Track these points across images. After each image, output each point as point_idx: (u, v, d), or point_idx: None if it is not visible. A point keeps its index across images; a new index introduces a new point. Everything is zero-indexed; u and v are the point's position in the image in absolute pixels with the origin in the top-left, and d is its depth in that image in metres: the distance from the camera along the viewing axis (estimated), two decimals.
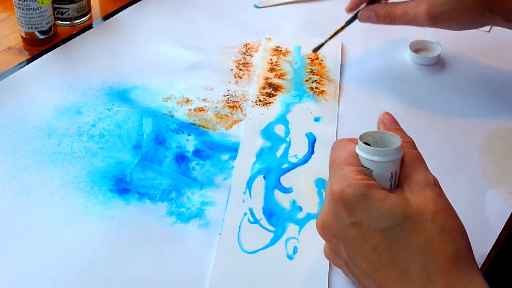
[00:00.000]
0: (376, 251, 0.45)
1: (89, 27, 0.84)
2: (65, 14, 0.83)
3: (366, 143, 0.47)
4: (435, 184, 0.46)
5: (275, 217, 0.58)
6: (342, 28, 0.74)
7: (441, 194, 0.46)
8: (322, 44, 0.75)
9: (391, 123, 0.51)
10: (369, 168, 0.47)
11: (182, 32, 0.83)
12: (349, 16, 0.74)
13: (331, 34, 0.74)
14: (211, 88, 0.74)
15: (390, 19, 0.70)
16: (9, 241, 0.55)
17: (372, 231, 0.45)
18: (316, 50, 0.75)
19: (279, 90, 0.73)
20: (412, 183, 0.46)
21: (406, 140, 0.49)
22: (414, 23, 0.69)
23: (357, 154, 0.47)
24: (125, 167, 0.62)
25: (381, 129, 0.51)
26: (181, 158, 0.64)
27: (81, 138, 0.65)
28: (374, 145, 0.47)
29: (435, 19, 0.67)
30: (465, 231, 0.45)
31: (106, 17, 0.86)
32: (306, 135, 0.67)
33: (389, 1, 0.72)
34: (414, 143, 0.49)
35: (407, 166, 0.47)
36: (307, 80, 0.75)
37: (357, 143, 0.48)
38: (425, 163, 0.48)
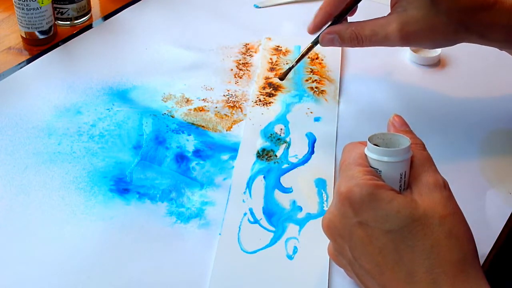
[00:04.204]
0: (381, 252, 0.45)
1: (89, 27, 0.84)
2: (65, 14, 0.83)
3: (375, 145, 0.47)
4: (445, 186, 0.46)
5: (275, 217, 0.58)
6: (309, 49, 0.67)
7: (450, 196, 0.46)
8: (290, 70, 0.68)
9: (401, 125, 0.51)
10: (378, 169, 0.47)
11: (182, 32, 0.83)
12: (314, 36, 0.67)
13: (297, 58, 0.67)
14: (211, 88, 0.74)
15: (357, 41, 0.63)
16: (9, 241, 0.55)
17: (378, 232, 0.45)
18: (283, 77, 0.68)
19: (279, 90, 0.73)
20: (421, 184, 0.46)
21: (416, 141, 0.49)
22: (384, 44, 0.62)
23: (366, 155, 0.47)
24: (125, 167, 0.62)
25: (391, 131, 0.51)
26: (181, 158, 0.64)
27: (81, 138, 0.65)
28: (383, 147, 0.47)
29: (408, 38, 0.61)
30: (472, 236, 0.45)
31: (106, 17, 0.86)
32: (306, 135, 0.67)
33: (350, 21, 0.66)
34: (423, 145, 0.49)
35: (416, 167, 0.47)
36: (307, 80, 0.75)
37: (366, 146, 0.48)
38: (434, 165, 0.47)
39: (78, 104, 0.70)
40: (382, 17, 0.62)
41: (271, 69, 0.77)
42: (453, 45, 0.63)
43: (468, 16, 0.60)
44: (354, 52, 0.80)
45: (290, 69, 0.67)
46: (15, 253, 0.54)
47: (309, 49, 0.67)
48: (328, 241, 0.51)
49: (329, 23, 0.66)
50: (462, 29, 0.60)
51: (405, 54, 0.80)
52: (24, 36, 0.79)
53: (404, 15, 0.60)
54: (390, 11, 0.62)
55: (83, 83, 0.73)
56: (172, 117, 0.69)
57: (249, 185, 0.61)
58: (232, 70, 0.77)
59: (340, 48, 0.80)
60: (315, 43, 0.66)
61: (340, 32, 0.63)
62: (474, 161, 0.65)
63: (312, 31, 0.66)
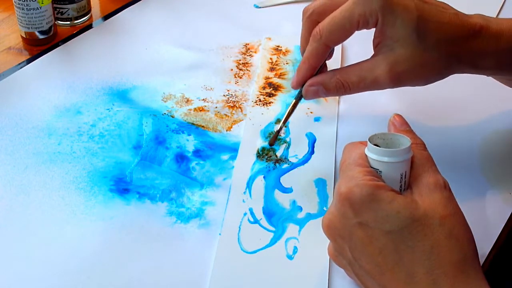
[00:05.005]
0: (381, 253, 0.45)
1: (89, 27, 0.84)
2: (65, 14, 0.83)
3: (375, 145, 0.47)
4: (445, 186, 0.46)
5: (275, 217, 0.58)
6: (294, 107, 0.61)
7: (450, 197, 0.46)
8: (278, 133, 0.62)
9: (401, 125, 0.51)
10: (378, 170, 0.47)
11: (182, 32, 0.83)
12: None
13: (283, 119, 0.61)
14: (211, 88, 0.74)
15: (344, 89, 0.58)
16: (9, 241, 0.55)
17: (378, 233, 0.45)
18: (273, 142, 0.63)
19: (279, 90, 0.73)
20: (421, 185, 0.46)
21: (416, 141, 0.49)
22: (373, 88, 0.58)
23: (366, 155, 0.47)
24: (125, 167, 0.62)
25: (391, 131, 0.51)
26: (181, 158, 0.64)
27: (81, 138, 0.65)
28: (383, 147, 0.47)
29: (399, 79, 0.56)
30: (472, 236, 0.45)
31: (106, 17, 0.86)
32: (306, 135, 0.67)
33: (329, 68, 0.62)
34: (424, 145, 0.49)
35: (416, 167, 0.47)
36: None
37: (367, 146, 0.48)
38: (435, 165, 0.47)
39: (78, 104, 0.70)
40: (367, 60, 0.58)
41: (271, 69, 0.77)
42: (445, 78, 0.59)
43: (457, 47, 0.57)
44: (354, 52, 0.80)
45: (278, 132, 0.62)
46: (15, 253, 0.54)
47: (294, 106, 0.61)
48: (328, 241, 0.51)
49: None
50: (453, 61, 0.57)
51: None
52: (24, 36, 0.79)
53: (391, 55, 0.56)
54: (373, 52, 0.58)
55: (83, 83, 0.73)
56: (172, 117, 0.69)
57: (249, 185, 0.61)
58: (232, 70, 0.77)
59: (340, 48, 0.80)
60: (299, 98, 0.61)
61: (325, 83, 0.59)
62: (474, 161, 0.65)
63: (296, 86, 0.61)
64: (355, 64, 0.59)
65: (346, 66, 0.60)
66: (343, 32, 0.57)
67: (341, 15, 0.56)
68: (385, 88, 0.58)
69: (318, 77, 0.60)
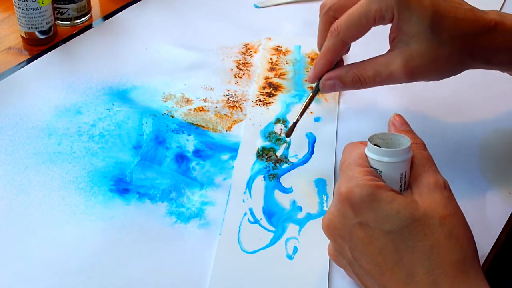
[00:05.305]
0: (381, 253, 0.45)
1: (89, 27, 0.84)
2: (65, 14, 0.83)
3: (375, 145, 0.47)
4: (445, 186, 0.46)
5: (275, 217, 0.58)
6: (311, 100, 0.62)
7: (450, 197, 0.46)
8: (295, 125, 0.63)
9: (401, 125, 0.51)
10: (378, 170, 0.47)
11: (182, 32, 0.83)
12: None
13: (300, 111, 0.62)
14: (211, 88, 0.74)
15: (360, 83, 0.60)
16: (9, 241, 0.55)
17: (378, 233, 0.45)
18: (290, 134, 0.63)
19: (279, 90, 0.73)
20: (421, 185, 0.46)
21: (417, 141, 0.49)
22: (389, 82, 0.59)
23: (366, 155, 0.47)
24: (125, 167, 0.62)
25: (392, 131, 0.51)
26: (181, 158, 0.64)
27: (81, 138, 0.65)
28: (383, 147, 0.47)
29: (413, 74, 0.57)
30: (472, 236, 0.45)
31: (106, 17, 0.86)
32: (306, 135, 0.67)
33: (346, 62, 0.63)
34: (424, 145, 0.49)
35: (416, 167, 0.47)
36: (307, 80, 0.75)
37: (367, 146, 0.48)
38: (435, 165, 0.47)
39: (78, 104, 0.70)
40: (383, 55, 0.59)
41: (271, 69, 0.77)
42: (458, 73, 0.60)
43: (471, 43, 0.57)
44: (354, 52, 0.80)
45: (295, 124, 0.63)
46: (15, 253, 0.54)
47: (311, 99, 0.62)
48: (328, 241, 0.51)
49: None
50: (466, 56, 0.58)
51: None
52: (24, 36, 0.79)
53: (407, 50, 0.57)
54: (389, 47, 0.59)
55: (83, 83, 0.73)
56: (172, 117, 0.69)
57: (249, 185, 0.61)
58: (232, 70, 0.77)
59: None
60: (316, 91, 0.62)
61: (341, 77, 0.60)
62: (474, 161, 0.65)
63: (313, 80, 0.62)
64: (371, 58, 0.59)
65: (362, 61, 0.60)
66: (360, 28, 0.58)
67: (358, 12, 0.57)
68: (400, 83, 0.59)
69: (335, 72, 0.61)
